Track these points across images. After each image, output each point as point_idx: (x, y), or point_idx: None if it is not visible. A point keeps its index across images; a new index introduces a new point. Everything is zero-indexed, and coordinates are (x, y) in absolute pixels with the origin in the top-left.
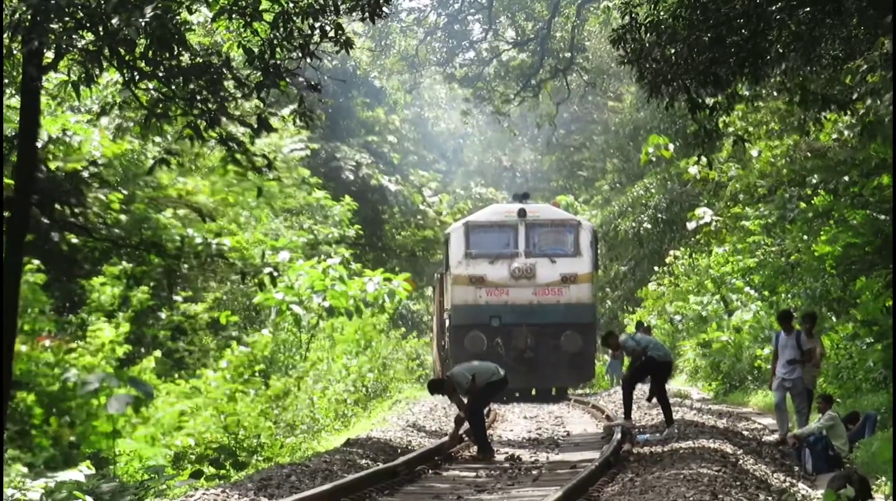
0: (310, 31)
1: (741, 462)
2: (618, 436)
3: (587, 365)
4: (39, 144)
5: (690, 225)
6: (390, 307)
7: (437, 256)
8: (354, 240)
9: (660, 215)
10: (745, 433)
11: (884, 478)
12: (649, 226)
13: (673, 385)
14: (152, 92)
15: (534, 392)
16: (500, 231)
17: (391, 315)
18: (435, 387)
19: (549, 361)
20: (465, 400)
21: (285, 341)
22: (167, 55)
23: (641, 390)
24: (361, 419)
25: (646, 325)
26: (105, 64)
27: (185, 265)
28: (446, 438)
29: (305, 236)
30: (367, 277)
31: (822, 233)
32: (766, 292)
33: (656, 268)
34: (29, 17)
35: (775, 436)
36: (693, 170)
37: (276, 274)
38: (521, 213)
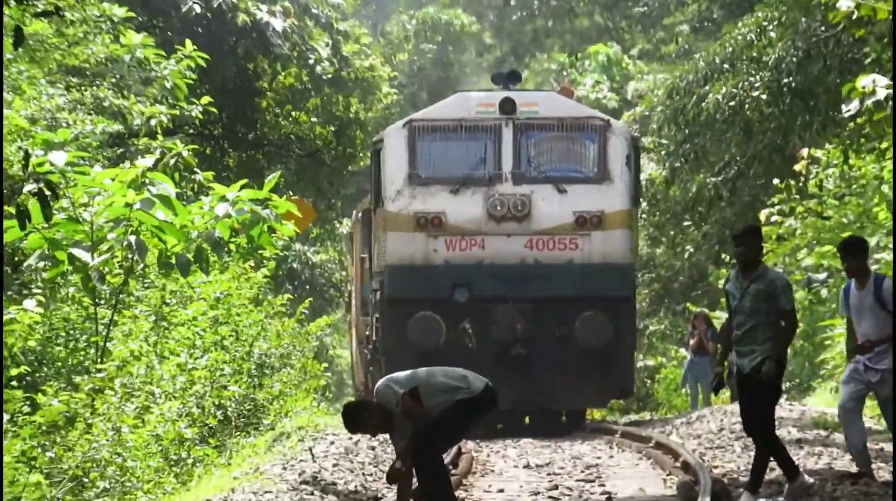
0: None
1: None
2: None
3: (621, 369)
4: None
5: (847, 106)
6: (268, 255)
7: (362, 161)
8: (202, 127)
9: (785, 82)
10: None
11: None
12: (765, 98)
13: (801, 405)
14: None
15: (527, 420)
16: (469, 138)
17: (270, 271)
18: (354, 418)
19: (553, 362)
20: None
21: (68, 320)
22: None
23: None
24: (214, 471)
25: None
26: None
27: None
28: None
29: (108, 123)
30: (213, 194)
31: None
32: None
33: (776, 181)
34: None
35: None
36: (845, 3)
37: (48, 194)
38: (507, 106)
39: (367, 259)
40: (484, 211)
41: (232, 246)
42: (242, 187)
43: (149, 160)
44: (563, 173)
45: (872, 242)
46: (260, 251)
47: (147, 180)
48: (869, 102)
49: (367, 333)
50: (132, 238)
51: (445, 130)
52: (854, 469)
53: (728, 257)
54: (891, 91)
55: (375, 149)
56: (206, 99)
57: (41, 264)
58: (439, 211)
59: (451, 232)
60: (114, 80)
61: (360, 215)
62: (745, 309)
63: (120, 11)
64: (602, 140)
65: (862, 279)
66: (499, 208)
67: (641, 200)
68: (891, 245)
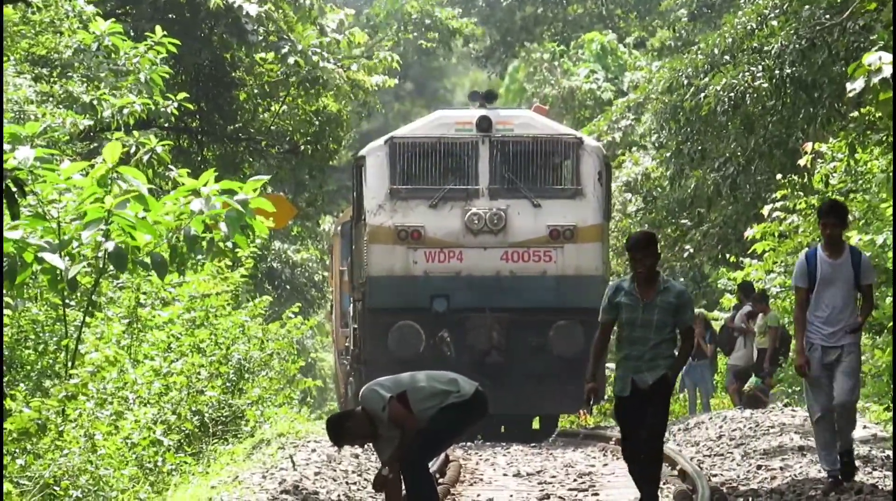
0: None
1: None
2: None
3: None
4: None
5: (852, 85)
6: (245, 254)
7: (345, 157)
8: (178, 120)
9: (788, 72)
10: None
11: None
12: (766, 86)
13: (804, 411)
14: None
15: (503, 429)
16: (447, 155)
17: (248, 271)
18: (339, 430)
19: (528, 370)
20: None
21: (37, 323)
22: None
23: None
24: (191, 479)
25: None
26: None
27: None
28: None
29: (78, 117)
30: (183, 189)
31: None
32: None
33: (780, 177)
34: None
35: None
36: None
37: (15, 190)
38: (484, 124)
39: (346, 272)
40: (462, 225)
41: (204, 244)
42: (216, 180)
43: (116, 149)
44: (537, 189)
45: (879, 240)
46: (237, 250)
47: (117, 175)
48: (875, 80)
49: (346, 344)
50: (110, 246)
51: (425, 146)
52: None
53: (732, 257)
54: None
55: (357, 165)
56: (182, 94)
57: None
58: (419, 225)
59: (430, 245)
60: (84, 71)
61: (339, 228)
62: (653, 323)
63: (90, 8)
64: (575, 157)
65: (837, 248)
66: (476, 221)
67: (611, 215)
68: None
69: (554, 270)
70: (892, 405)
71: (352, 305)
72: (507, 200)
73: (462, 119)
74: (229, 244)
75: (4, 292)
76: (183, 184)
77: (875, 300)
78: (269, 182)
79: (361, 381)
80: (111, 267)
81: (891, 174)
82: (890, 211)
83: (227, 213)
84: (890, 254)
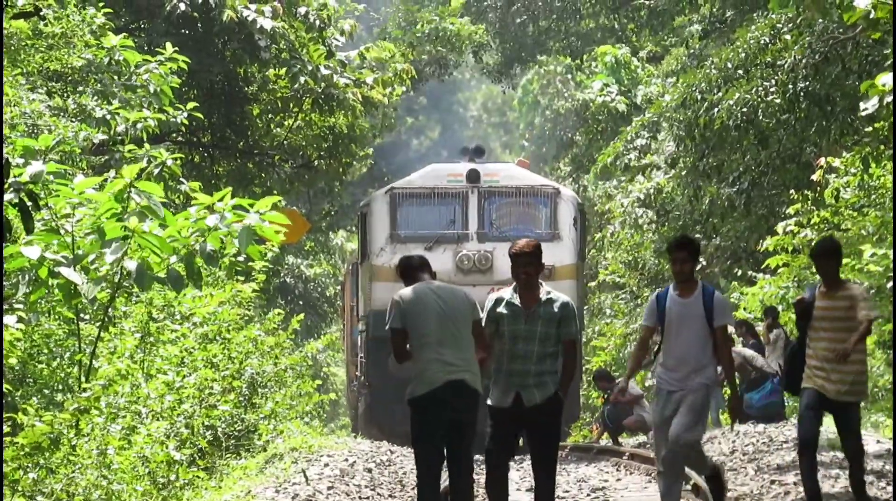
0: None
1: None
2: None
3: (570, 399)
4: None
5: (865, 104)
6: (257, 268)
7: (359, 171)
8: (190, 134)
9: (801, 86)
10: None
11: None
12: (779, 101)
13: (828, 427)
14: None
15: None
16: (441, 203)
17: (260, 285)
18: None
19: None
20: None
21: (51, 337)
22: None
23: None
24: (204, 494)
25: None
26: None
27: None
28: None
29: (91, 131)
30: (197, 204)
31: None
32: None
33: (793, 193)
34: None
35: None
36: (862, 1)
37: (29, 204)
38: (472, 176)
39: (355, 307)
40: (453, 265)
41: (224, 263)
42: (230, 196)
43: (134, 168)
44: (519, 233)
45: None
46: (250, 264)
47: (134, 190)
48: (888, 100)
49: (356, 372)
50: (131, 265)
51: (421, 196)
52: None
53: (741, 271)
54: None
55: (362, 212)
56: (192, 104)
57: (23, 284)
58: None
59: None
60: (97, 85)
61: (350, 267)
62: (536, 335)
63: (100, 20)
64: (553, 205)
65: (689, 286)
66: (466, 262)
67: (586, 256)
68: None
69: None
70: (892, 408)
71: (359, 336)
72: (494, 243)
73: (453, 172)
74: (241, 258)
75: (22, 306)
76: (195, 198)
77: (731, 343)
78: (282, 196)
79: (367, 403)
80: (126, 282)
81: None
82: None
83: (240, 231)
84: None
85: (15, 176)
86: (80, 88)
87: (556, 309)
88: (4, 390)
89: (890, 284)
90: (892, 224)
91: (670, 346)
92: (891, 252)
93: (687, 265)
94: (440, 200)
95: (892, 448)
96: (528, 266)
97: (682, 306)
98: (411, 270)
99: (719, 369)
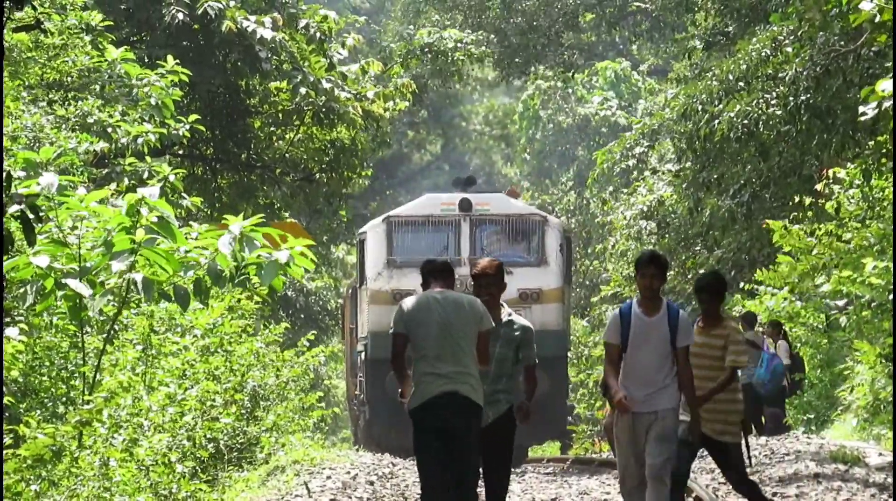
0: None
1: None
2: None
3: (556, 415)
4: None
5: (865, 108)
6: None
7: (361, 185)
8: (192, 147)
9: (802, 99)
10: None
11: None
12: (781, 113)
13: (819, 438)
14: None
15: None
16: (434, 231)
17: (271, 304)
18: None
19: None
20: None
21: (53, 348)
22: None
23: None
24: None
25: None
26: None
27: None
28: None
29: (92, 140)
30: (201, 229)
31: None
32: None
33: (796, 198)
34: None
35: None
36: (868, 4)
37: (32, 216)
38: (465, 205)
39: (354, 329)
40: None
41: (227, 276)
42: (230, 207)
43: (154, 189)
44: (509, 258)
45: None
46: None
47: (147, 206)
48: (887, 105)
49: (356, 392)
50: (138, 277)
51: (416, 224)
52: None
53: (744, 285)
54: None
55: (360, 239)
56: (193, 116)
57: (30, 295)
58: (411, 289)
59: None
60: (97, 92)
61: (349, 290)
62: (494, 355)
63: (97, 20)
64: (540, 232)
65: (655, 304)
66: (458, 286)
67: (572, 280)
68: None
69: None
70: (892, 421)
71: (359, 357)
72: None
73: (447, 201)
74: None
75: (25, 318)
76: (225, 219)
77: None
78: (284, 209)
79: (366, 418)
80: (132, 295)
81: None
82: None
83: (268, 265)
84: None
85: (17, 188)
86: (81, 95)
87: (515, 332)
88: (7, 402)
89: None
90: (893, 235)
91: (632, 364)
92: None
93: (656, 281)
94: (434, 227)
95: (892, 460)
96: (489, 287)
97: (646, 325)
98: (424, 275)
99: None
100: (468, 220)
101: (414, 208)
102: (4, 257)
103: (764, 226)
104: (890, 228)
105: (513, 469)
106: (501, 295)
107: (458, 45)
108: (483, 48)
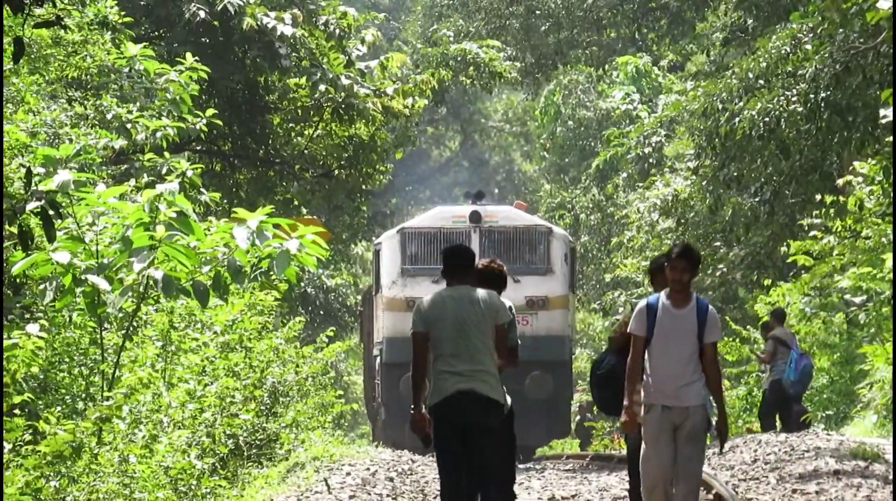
0: None
1: None
2: None
3: (561, 416)
4: None
5: (886, 111)
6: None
7: (379, 177)
8: (210, 143)
9: (822, 96)
10: None
11: None
12: (801, 110)
13: (839, 435)
14: None
15: None
16: (446, 241)
17: (293, 299)
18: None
19: None
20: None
21: (73, 345)
22: None
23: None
24: None
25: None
26: None
27: None
28: None
29: (112, 137)
30: (219, 224)
31: None
32: None
33: (817, 196)
34: None
35: None
36: (885, 3)
37: (52, 212)
38: (474, 217)
39: (371, 334)
40: None
41: (247, 273)
42: (247, 204)
43: (173, 185)
44: (517, 267)
45: None
46: (275, 280)
47: (165, 202)
48: None
49: (373, 393)
50: (158, 274)
51: (428, 235)
52: None
53: (765, 281)
54: None
55: (376, 250)
56: (210, 111)
57: (50, 291)
58: (424, 296)
59: None
60: (116, 90)
61: (364, 299)
62: None
63: (113, 12)
64: (546, 243)
65: (684, 297)
66: None
67: (576, 288)
68: None
69: (530, 331)
70: (891, 414)
71: (375, 360)
72: None
73: (458, 213)
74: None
75: (45, 314)
76: (235, 213)
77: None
78: (303, 205)
79: (381, 420)
80: (151, 291)
81: None
82: None
83: (279, 255)
84: None
85: (37, 185)
86: (101, 92)
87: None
88: (26, 399)
89: None
90: (893, 235)
91: (659, 358)
92: None
93: (686, 275)
94: (445, 238)
95: (892, 459)
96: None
97: (675, 318)
98: (444, 267)
99: None
100: (478, 231)
101: (426, 220)
102: (22, 255)
103: (786, 245)
104: None
105: (531, 466)
106: (501, 295)
107: (493, 60)
108: (512, 62)
